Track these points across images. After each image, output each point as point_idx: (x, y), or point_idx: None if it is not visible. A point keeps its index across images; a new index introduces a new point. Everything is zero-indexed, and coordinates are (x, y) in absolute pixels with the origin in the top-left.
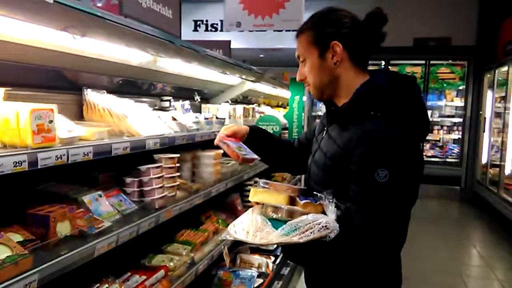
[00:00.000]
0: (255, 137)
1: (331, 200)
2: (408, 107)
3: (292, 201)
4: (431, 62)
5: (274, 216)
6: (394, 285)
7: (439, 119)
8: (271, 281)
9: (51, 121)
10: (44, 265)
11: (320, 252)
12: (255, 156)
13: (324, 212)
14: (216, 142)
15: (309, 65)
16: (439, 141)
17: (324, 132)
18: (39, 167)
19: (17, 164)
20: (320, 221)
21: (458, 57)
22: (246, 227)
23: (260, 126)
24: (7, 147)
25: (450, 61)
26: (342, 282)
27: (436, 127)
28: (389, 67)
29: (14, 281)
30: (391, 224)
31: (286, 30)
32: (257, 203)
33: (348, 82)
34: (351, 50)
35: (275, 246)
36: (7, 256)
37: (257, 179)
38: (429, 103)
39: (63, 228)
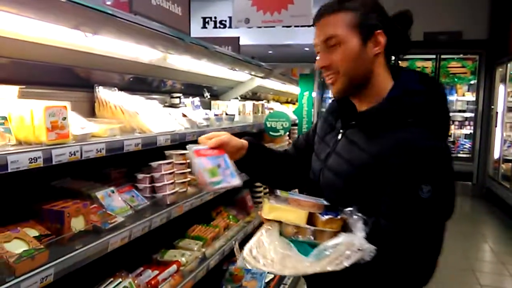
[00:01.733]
0: (256, 153)
1: (358, 217)
2: (443, 113)
3: (311, 217)
4: (442, 56)
5: (299, 239)
6: None
7: (450, 114)
8: (281, 277)
9: (64, 118)
10: (60, 259)
11: (354, 276)
12: (236, 182)
13: (344, 226)
14: (188, 155)
15: (344, 51)
16: (450, 136)
17: (340, 134)
18: (53, 163)
19: (33, 161)
20: (353, 243)
21: (470, 51)
22: (267, 252)
23: (270, 122)
24: (22, 144)
25: (461, 55)
26: None
27: None
28: (399, 62)
29: (31, 275)
30: (432, 242)
31: (295, 26)
32: (273, 220)
33: (379, 80)
34: (389, 46)
35: None
36: (24, 251)
37: (277, 191)
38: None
39: (77, 223)
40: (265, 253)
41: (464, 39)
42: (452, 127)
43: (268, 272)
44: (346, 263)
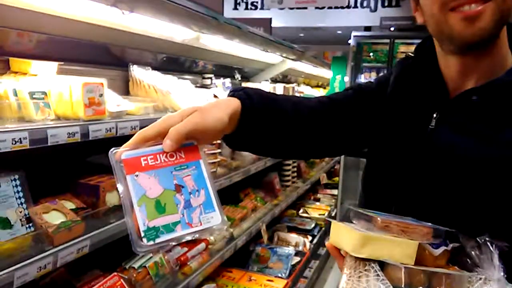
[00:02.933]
0: (255, 126)
1: (494, 248)
2: None
3: (420, 251)
4: None
5: None
6: None
7: None
8: (307, 260)
9: (101, 95)
10: (95, 232)
11: None
12: (216, 222)
13: (458, 260)
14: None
15: None
16: None
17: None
18: (90, 138)
19: (71, 135)
20: None
21: None
22: None
23: None
24: (60, 119)
25: None
26: None
27: None
28: None
29: (68, 245)
30: None
31: (328, 7)
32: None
33: (503, 44)
34: None
35: (312, 225)
36: (62, 222)
37: (362, 212)
38: None
39: (111, 198)
40: None
41: None
42: None
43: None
44: None
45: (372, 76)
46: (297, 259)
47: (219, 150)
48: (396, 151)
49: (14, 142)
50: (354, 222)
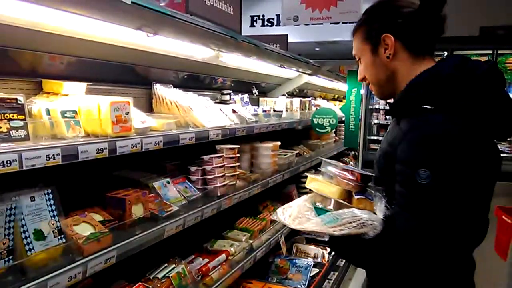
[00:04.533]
0: None
1: (381, 198)
2: (475, 98)
3: (348, 195)
4: (499, 52)
5: (320, 206)
6: None
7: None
8: (327, 271)
9: (127, 113)
10: (122, 243)
11: (358, 249)
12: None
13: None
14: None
15: (364, 62)
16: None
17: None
18: (117, 154)
19: (99, 151)
20: (360, 217)
21: None
22: (293, 211)
23: (317, 119)
24: (89, 136)
25: None
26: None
27: None
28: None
29: (97, 255)
30: (437, 229)
31: (343, 23)
32: (311, 191)
33: (406, 74)
34: (406, 40)
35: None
36: (91, 233)
37: (321, 169)
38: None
39: (137, 210)
40: (291, 211)
41: None
42: None
43: (285, 225)
44: (345, 231)
45: None
46: (316, 270)
47: (238, 164)
48: None
49: (48, 158)
50: (322, 169)
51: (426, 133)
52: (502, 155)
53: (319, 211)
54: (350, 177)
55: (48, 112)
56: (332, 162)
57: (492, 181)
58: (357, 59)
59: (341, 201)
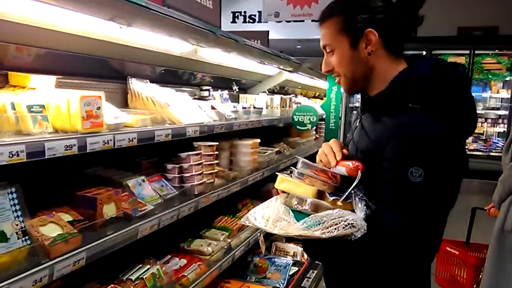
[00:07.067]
0: None
1: (361, 198)
2: (453, 100)
3: (320, 196)
4: (476, 52)
5: (298, 208)
6: None
7: (483, 112)
8: (305, 270)
9: (99, 108)
10: (92, 244)
11: (342, 251)
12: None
13: (353, 211)
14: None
15: (338, 55)
16: (482, 134)
17: (358, 121)
18: (87, 151)
19: (68, 148)
20: (346, 218)
21: (505, 47)
22: (267, 214)
23: (297, 116)
24: (58, 132)
25: (497, 51)
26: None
27: (479, 120)
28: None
29: (64, 257)
30: (425, 229)
31: None
32: (283, 192)
33: (383, 71)
34: (387, 38)
35: None
36: (58, 234)
37: (293, 168)
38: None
39: (109, 210)
40: (265, 214)
41: (500, 34)
42: (485, 125)
43: (261, 231)
44: (334, 233)
45: None
46: (295, 269)
47: (216, 161)
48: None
49: (11, 155)
50: (297, 168)
51: (418, 133)
52: (477, 153)
53: (298, 214)
54: (328, 178)
55: (13, 106)
56: (309, 163)
57: (459, 182)
58: (327, 50)
59: (320, 201)
